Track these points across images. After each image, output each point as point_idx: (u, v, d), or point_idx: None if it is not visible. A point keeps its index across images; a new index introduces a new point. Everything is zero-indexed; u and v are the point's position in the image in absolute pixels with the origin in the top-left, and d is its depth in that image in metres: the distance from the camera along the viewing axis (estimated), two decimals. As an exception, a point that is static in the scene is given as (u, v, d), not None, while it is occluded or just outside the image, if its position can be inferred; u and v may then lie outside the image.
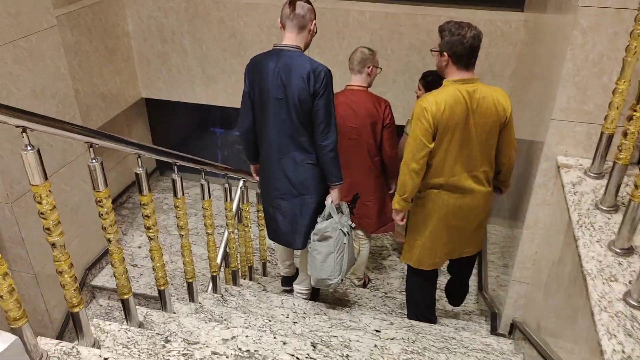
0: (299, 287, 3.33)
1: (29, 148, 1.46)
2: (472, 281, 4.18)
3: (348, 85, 3.30)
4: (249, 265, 3.53)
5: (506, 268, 3.05)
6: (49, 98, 3.46)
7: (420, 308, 3.13)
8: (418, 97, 3.67)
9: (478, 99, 2.42)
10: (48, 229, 1.56)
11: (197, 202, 5.24)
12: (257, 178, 3.11)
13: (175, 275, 4.21)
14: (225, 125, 5.75)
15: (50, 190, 1.56)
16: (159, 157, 2.34)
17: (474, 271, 4.26)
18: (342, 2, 4.14)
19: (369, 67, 3.26)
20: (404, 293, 3.75)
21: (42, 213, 1.53)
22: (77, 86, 4.00)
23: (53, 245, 1.59)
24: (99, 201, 1.81)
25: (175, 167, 2.32)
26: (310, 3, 2.58)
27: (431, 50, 2.61)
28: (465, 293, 3.40)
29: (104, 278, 4.20)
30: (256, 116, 2.73)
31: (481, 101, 2.43)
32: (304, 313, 2.66)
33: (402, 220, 2.78)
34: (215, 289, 2.91)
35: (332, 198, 2.82)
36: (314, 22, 2.60)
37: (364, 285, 4.04)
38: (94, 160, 1.75)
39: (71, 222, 3.87)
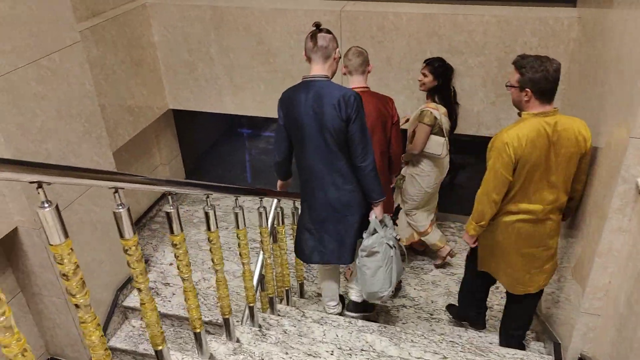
0: (330, 302, 3.35)
1: (46, 205, 1.28)
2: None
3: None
4: (286, 288, 3.34)
5: (566, 287, 2.80)
6: (74, 117, 3.33)
7: (473, 300, 3.22)
8: (424, 84, 3.53)
9: (560, 131, 2.42)
10: (71, 291, 1.38)
11: (228, 215, 5.08)
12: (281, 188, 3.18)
13: (208, 294, 4.05)
14: (252, 127, 5.58)
15: (72, 249, 1.38)
16: (191, 191, 2.17)
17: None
18: (377, 4, 3.90)
19: (369, 67, 3.19)
20: (449, 313, 3.62)
21: (64, 274, 1.35)
22: (104, 101, 3.87)
23: (77, 306, 1.41)
24: (127, 250, 1.63)
25: (208, 200, 2.14)
26: (330, 32, 2.66)
27: (507, 86, 2.54)
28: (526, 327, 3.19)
29: (135, 298, 4.08)
30: (293, 147, 2.81)
31: (563, 133, 2.42)
32: (350, 349, 2.46)
33: (474, 244, 2.90)
34: (252, 318, 2.73)
35: (376, 214, 2.85)
36: (337, 49, 2.69)
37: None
38: (120, 207, 1.56)
39: (102, 242, 3.75)
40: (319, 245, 2.92)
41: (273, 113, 4.48)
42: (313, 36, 2.61)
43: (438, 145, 3.59)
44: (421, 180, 3.81)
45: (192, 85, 4.53)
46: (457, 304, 3.57)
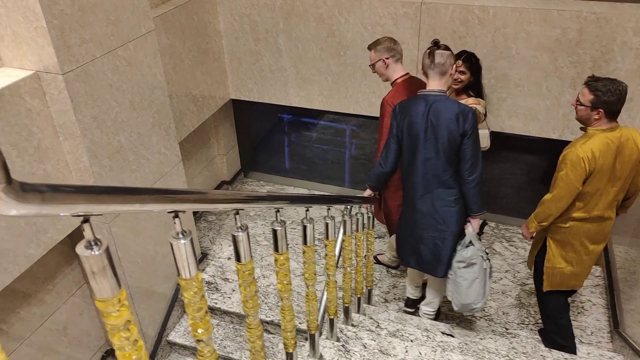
0: (426, 308, 3.46)
1: (181, 237, 1.14)
2: (602, 314, 3.69)
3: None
4: (358, 296, 3.20)
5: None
6: (145, 109, 3.23)
7: (567, 331, 3.22)
8: (461, 81, 3.43)
9: (623, 142, 2.66)
10: (195, 326, 1.25)
11: (284, 209, 4.95)
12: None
13: (269, 292, 3.95)
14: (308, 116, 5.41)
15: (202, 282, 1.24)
16: (309, 205, 2.01)
17: (604, 303, 3.76)
18: (459, -4, 3.66)
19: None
20: (530, 327, 3.57)
21: (195, 309, 1.21)
22: (171, 91, 3.77)
23: (200, 341, 1.28)
24: (244, 272, 1.49)
25: (307, 212, 1.99)
26: (448, 48, 2.72)
27: (577, 104, 2.71)
28: None
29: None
30: (403, 157, 2.87)
31: (625, 143, 2.66)
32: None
33: (531, 239, 3.15)
34: (331, 330, 2.60)
35: (473, 226, 2.95)
36: (454, 65, 2.74)
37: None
38: (240, 230, 1.41)
39: (164, 234, 3.67)
40: (414, 253, 3.05)
41: (339, 107, 4.33)
42: (431, 53, 2.67)
43: (484, 138, 3.49)
44: None
45: (256, 75, 4.38)
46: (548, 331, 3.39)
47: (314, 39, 4.02)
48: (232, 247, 4.43)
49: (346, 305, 2.90)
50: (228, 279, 4.15)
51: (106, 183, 2.99)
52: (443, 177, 2.77)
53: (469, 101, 3.44)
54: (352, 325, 2.97)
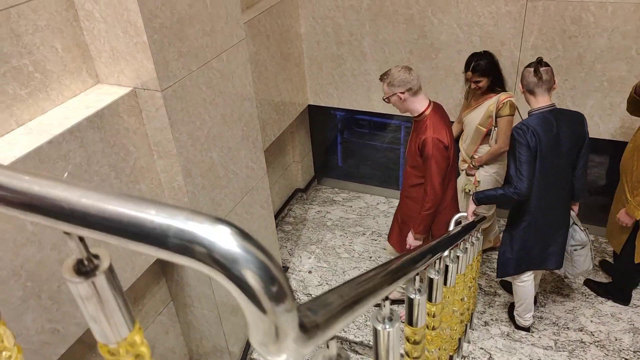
0: (529, 315, 3.43)
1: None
2: None
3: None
4: (465, 322, 2.95)
5: None
6: (236, 122, 3.07)
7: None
8: (479, 87, 3.28)
9: None
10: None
11: (362, 218, 4.74)
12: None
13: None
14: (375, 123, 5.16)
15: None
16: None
17: None
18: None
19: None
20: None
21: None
22: (256, 100, 3.60)
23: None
24: (414, 340, 1.27)
25: (440, 261, 1.75)
26: (548, 64, 2.71)
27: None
28: None
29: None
30: (536, 177, 2.83)
31: None
32: None
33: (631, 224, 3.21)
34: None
35: (575, 211, 3.21)
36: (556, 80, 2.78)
37: None
38: (417, 293, 1.19)
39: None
40: (544, 254, 3.09)
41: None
42: (536, 71, 2.66)
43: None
44: (500, 177, 3.52)
45: (337, 80, 4.17)
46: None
47: (402, 42, 3.77)
48: (311, 260, 4.28)
49: (459, 336, 2.66)
50: (311, 294, 3.97)
51: (199, 202, 2.86)
52: (569, 181, 2.94)
53: (501, 97, 3.25)
54: (463, 357, 2.73)
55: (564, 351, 3.29)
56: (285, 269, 4.08)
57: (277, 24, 3.67)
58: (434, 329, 1.53)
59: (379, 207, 4.86)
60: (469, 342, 3.02)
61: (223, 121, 2.95)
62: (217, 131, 2.91)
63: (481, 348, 2.86)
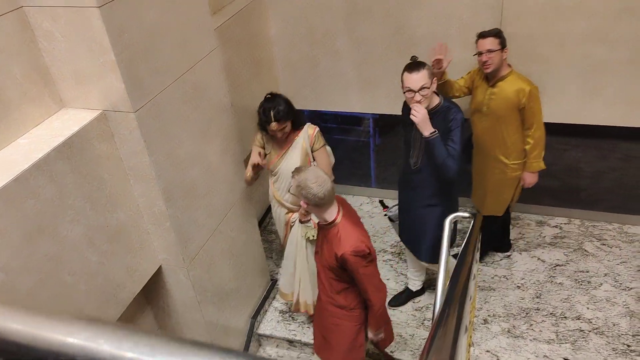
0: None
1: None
2: None
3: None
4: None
5: None
6: (214, 136, 2.90)
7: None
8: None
9: None
10: None
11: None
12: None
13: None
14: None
15: None
16: None
17: None
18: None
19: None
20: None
21: None
22: (232, 110, 3.42)
23: None
24: None
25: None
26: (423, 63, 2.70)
27: (488, 53, 3.00)
28: None
29: (269, 325, 3.70)
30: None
31: None
32: None
33: None
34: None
35: None
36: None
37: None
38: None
39: (237, 269, 3.36)
40: None
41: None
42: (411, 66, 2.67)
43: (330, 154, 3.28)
44: None
45: (312, 82, 4.02)
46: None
47: (379, 38, 3.64)
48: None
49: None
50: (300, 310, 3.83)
51: (181, 225, 2.68)
52: None
53: (309, 130, 3.03)
54: (472, 363, 2.64)
55: (566, 343, 3.26)
56: (273, 282, 3.92)
57: (246, 28, 3.49)
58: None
59: (363, 207, 4.74)
60: (472, 345, 2.94)
61: (201, 137, 2.77)
62: (196, 148, 2.73)
63: (487, 351, 2.79)
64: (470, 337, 2.58)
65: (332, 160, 3.27)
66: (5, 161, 1.98)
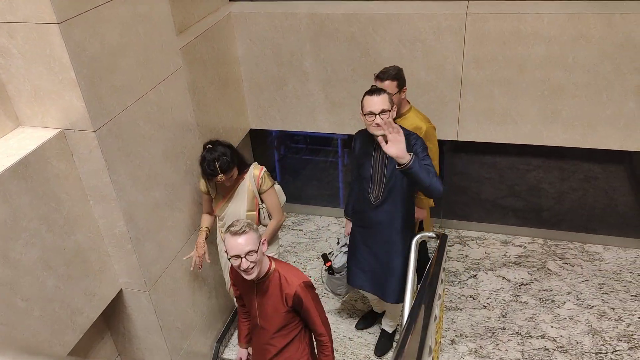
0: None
1: None
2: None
3: None
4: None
5: None
6: (178, 155, 2.85)
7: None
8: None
9: None
10: None
11: (315, 242, 4.58)
12: None
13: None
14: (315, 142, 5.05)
15: None
16: None
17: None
18: (511, 4, 3.36)
19: None
20: (610, 357, 3.20)
21: None
22: (197, 130, 3.38)
23: None
24: None
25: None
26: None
27: (393, 95, 2.74)
28: None
29: (235, 349, 3.61)
30: None
31: None
32: None
33: None
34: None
35: None
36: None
37: None
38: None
39: (202, 292, 3.28)
40: None
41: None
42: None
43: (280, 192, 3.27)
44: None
45: (279, 102, 4.02)
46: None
47: (345, 60, 3.68)
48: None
49: (434, 365, 2.55)
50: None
51: (144, 247, 2.61)
52: None
53: (255, 172, 2.96)
54: (439, 385, 2.62)
55: (527, 358, 3.28)
56: (239, 304, 3.84)
57: (213, 48, 3.48)
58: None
59: (330, 228, 4.73)
60: (441, 366, 2.93)
61: (165, 157, 2.72)
62: (159, 168, 2.68)
63: (456, 371, 2.77)
64: (437, 358, 2.57)
65: (283, 199, 3.17)
66: (-45, 181, 1.90)
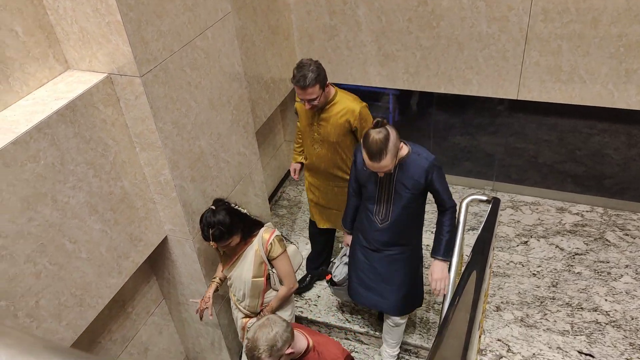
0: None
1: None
2: None
3: None
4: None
5: None
6: (225, 105, 2.80)
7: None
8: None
9: None
10: None
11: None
12: None
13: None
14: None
15: None
16: None
17: None
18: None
19: None
20: None
21: None
22: (245, 80, 3.31)
23: None
24: None
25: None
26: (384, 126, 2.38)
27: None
28: None
29: None
30: None
31: None
32: None
33: None
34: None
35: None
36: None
37: None
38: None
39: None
40: None
41: (427, 86, 3.77)
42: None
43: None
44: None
45: (330, 54, 3.88)
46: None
47: (400, 9, 3.48)
48: (309, 246, 4.04)
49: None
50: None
51: (188, 195, 2.60)
52: None
53: (265, 236, 2.70)
54: (480, 351, 2.55)
55: (581, 335, 3.15)
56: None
57: (263, -6, 3.35)
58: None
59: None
60: (484, 333, 2.85)
61: (211, 106, 2.67)
62: (204, 117, 2.63)
63: (498, 339, 2.69)
64: (482, 324, 2.49)
65: (299, 261, 2.95)
66: (6, 122, 1.91)
